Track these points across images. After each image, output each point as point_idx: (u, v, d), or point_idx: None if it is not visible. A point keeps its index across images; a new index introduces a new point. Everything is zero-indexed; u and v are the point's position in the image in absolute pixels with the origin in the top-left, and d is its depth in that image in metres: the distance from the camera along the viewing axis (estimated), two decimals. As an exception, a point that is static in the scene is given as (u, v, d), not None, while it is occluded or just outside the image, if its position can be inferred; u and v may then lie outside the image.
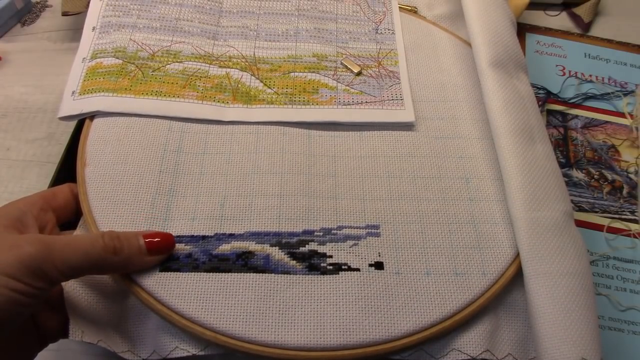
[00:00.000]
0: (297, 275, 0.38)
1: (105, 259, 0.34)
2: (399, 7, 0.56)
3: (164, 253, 0.38)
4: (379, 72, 0.50)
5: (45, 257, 0.32)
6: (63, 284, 0.38)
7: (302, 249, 0.39)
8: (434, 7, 0.57)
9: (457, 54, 0.52)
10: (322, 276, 0.38)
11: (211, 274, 0.38)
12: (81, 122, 0.47)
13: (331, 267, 0.39)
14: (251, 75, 0.49)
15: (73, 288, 0.38)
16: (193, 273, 0.38)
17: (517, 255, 0.40)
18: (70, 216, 0.42)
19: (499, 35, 0.49)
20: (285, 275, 0.38)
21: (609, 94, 0.63)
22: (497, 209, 0.42)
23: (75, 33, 0.69)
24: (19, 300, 0.31)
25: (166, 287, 0.37)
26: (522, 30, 0.68)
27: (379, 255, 0.39)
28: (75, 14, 0.63)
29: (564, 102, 0.62)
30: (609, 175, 0.57)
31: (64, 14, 0.63)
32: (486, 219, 0.42)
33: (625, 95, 0.63)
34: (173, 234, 0.39)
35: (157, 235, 0.38)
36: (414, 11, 0.57)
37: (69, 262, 0.33)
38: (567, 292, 0.36)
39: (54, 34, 0.69)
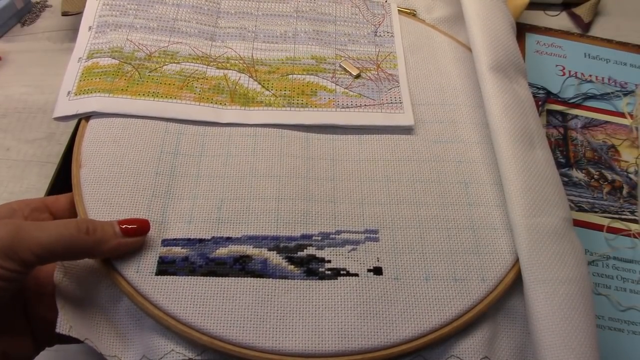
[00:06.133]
0: (295, 280, 0.38)
1: (78, 237, 0.34)
2: (398, 10, 0.56)
3: (139, 236, 0.38)
4: (377, 75, 0.50)
5: (15, 237, 0.32)
6: (55, 279, 0.37)
7: (300, 253, 0.39)
8: (433, 11, 0.57)
9: (456, 57, 0.52)
10: (320, 281, 0.38)
11: (208, 278, 0.38)
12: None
13: (329, 272, 0.38)
14: (249, 76, 0.49)
15: (65, 284, 0.38)
16: (189, 277, 0.37)
17: (517, 261, 0.39)
18: None
19: (499, 39, 0.48)
20: (283, 280, 0.38)
21: (609, 94, 0.63)
22: (497, 214, 0.42)
23: (75, 33, 0.67)
24: None
25: (162, 291, 0.37)
26: (522, 30, 0.68)
27: (378, 261, 0.39)
28: (75, 14, 0.63)
29: (564, 102, 0.62)
30: (609, 175, 0.57)
31: (64, 14, 0.63)
32: (485, 224, 0.41)
33: (625, 95, 0.63)
34: (169, 237, 0.39)
35: (133, 222, 0.38)
36: (413, 14, 0.57)
37: (40, 241, 0.32)
38: (566, 300, 0.36)
39: (54, 34, 0.69)
